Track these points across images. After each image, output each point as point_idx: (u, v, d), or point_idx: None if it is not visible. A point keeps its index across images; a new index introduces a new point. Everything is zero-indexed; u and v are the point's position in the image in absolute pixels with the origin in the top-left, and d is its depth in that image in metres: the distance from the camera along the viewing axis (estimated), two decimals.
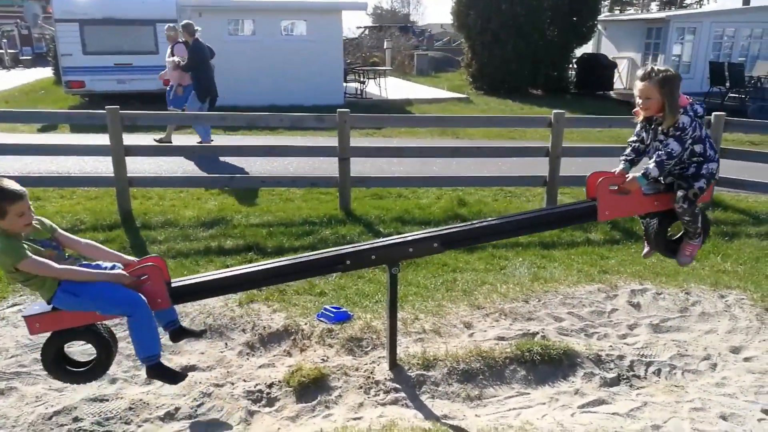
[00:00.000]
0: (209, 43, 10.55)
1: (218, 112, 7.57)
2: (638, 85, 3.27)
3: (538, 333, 4.13)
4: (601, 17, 22.56)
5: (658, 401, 3.43)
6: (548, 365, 3.75)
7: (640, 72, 3.29)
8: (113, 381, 3.55)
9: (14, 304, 4.43)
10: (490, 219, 3.81)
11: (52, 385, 3.49)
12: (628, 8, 44.43)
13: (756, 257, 5.63)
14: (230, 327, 4.17)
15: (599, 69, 19.96)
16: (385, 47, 30.05)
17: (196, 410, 3.32)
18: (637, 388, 3.60)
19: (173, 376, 3.05)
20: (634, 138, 3.51)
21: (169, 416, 3.27)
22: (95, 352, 3.01)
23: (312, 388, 3.50)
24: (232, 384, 3.54)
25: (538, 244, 5.93)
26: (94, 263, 3.01)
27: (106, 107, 6.46)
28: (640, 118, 3.40)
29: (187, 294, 3.20)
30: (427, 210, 7.06)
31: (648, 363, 3.82)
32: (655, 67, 3.25)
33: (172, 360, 3.79)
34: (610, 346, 4.01)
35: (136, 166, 7.73)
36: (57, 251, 2.86)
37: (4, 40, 31.08)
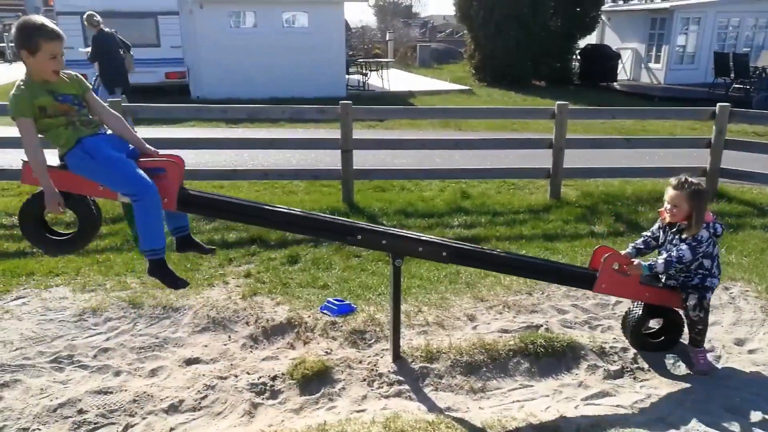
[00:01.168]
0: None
1: (219, 105, 7.56)
2: (669, 191, 3.50)
3: (541, 325, 4.12)
4: (604, 7, 22.42)
5: (662, 393, 3.43)
6: (552, 357, 3.75)
7: (673, 180, 3.50)
8: (117, 373, 3.56)
9: (18, 297, 4.44)
10: (500, 251, 4.16)
11: (57, 377, 3.50)
12: None
13: (761, 249, 5.61)
14: (233, 320, 4.17)
15: (603, 60, 19.87)
16: (387, 39, 29.95)
17: (200, 403, 3.33)
18: (641, 381, 3.59)
19: (174, 280, 2.92)
20: (649, 234, 3.76)
21: (173, 408, 3.28)
22: (78, 223, 2.89)
23: (315, 381, 3.50)
24: (236, 377, 3.55)
25: (541, 237, 5.92)
26: (118, 139, 2.87)
27: (108, 100, 6.45)
28: (665, 219, 3.60)
29: (194, 204, 3.09)
30: (431, 202, 7.05)
31: (652, 355, 3.81)
32: (689, 179, 3.47)
33: (175, 353, 3.80)
34: (614, 338, 4.00)
35: None
36: (77, 107, 2.73)
37: (6, 33, 31.02)
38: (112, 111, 2.93)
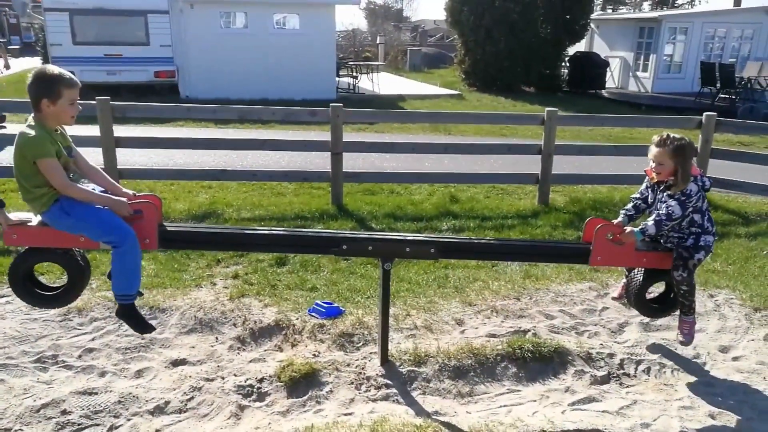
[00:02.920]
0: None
1: (210, 105, 7.52)
2: (653, 150, 3.42)
3: (529, 330, 4.14)
4: (593, 16, 22.66)
5: (648, 399, 3.45)
6: (539, 363, 3.76)
7: (656, 138, 3.43)
8: (102, 374, 3.52)
9: (2, 296, 4.37)
10: (489, 238, 3.96)
11: (40, 377, 3.45)
12: (621, 7, 44.61)
13: (745, 257, 5.68)
14: (221, 321, 4.15)
15: (592, 67, 20.05)
16: (378, 42, 29.98)
17: (186, 404, 3.30)
18: (627, 386, 3.62)
19: (143, 325, 2.97)
20: (638, 195, 3.68)
21: (159, 410, 3.25)
22: (67, 277, 2.91)
23: (303, 383, 3.48)
24: (223, 378, 3.52)
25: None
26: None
27: (97, 98, 6.40)
28: (651, 178, 3.54)
29: (177, 240, 3.14)
30: (420, 206, 7.06)
31: (638, 361, 3.84)
32: (671, 135, 3.39)
33: (162, 354, 3.76)
34: (601, 344, 4.03)
35: (126, 158, 7.65)
36: (72, 165, 2.80)
37: None
38: (90, 163, 2.99)
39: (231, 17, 16.30)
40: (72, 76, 2.69)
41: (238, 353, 3.84)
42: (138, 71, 15.19)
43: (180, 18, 15.37)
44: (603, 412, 3.33)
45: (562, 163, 7.41)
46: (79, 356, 3.68)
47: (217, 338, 3.98)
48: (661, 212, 3.38)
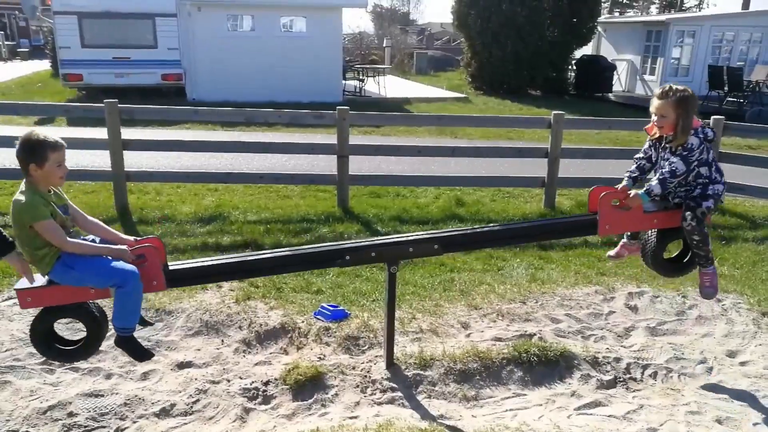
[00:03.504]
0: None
1: (216, 108, 7.54)
2: (655, 102, 3.31)
3: (535, 334, 4.12)
4: (600, 19, 22.58)
5: (655, 404, 3.43)
6: (545, 367, 3.75)
7: (658, 90, 3.33)
8: (108, 376, 3.53)
9: (9, 298, 4.40)
10: (491, 225, 3.90)
11: (47, 379, 3.47)
12: (628, 10, 44.51)
13: (753, 261, 5.65)
14: (227, 324, 4.16)
15: (598, 71, 19.98)
16: (384, 45, 30.02)
17: (191, 407, 3.31)
18: (634, 391, 3.60)
19: (141, 353, 3.00)
20: (641, 155, 3.56)
21: (165, 412, 3.26)
22: (85, 331, 2.97)
23: (308, 387, 3.49)
24: (228, 381, 3.53)
25: (535, 246, 5.91)
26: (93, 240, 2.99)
27: (105, 101, 6.43)
28: (653, 134, 3.44)
29: (184, 278, 3.17)
30: (425, 209, 7.05)
31: (644, 366, 3.82)
32: (674, 86, 3.29)
33: (168, 356, 3.78)
34: (607, 348, 4.01)
35: (134, 161, 7.70)
36: (68, 222, 2.85)
37: (1, 32, 30.93)
38: (89, 217, 3.04)
39: (238, 20, 16.37)
40: (57, 139, 2.75)
41: (244, 356, 3.84)
42: (146, 74, 15.27)
43: (187, 21, 15.45)
44: (609, 416, 3.31)
45: (568, 167, 7.39)
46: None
47: (222, 341, 3.99)
48: (664, 170, 3.29)
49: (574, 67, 21.35)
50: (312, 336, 4.02)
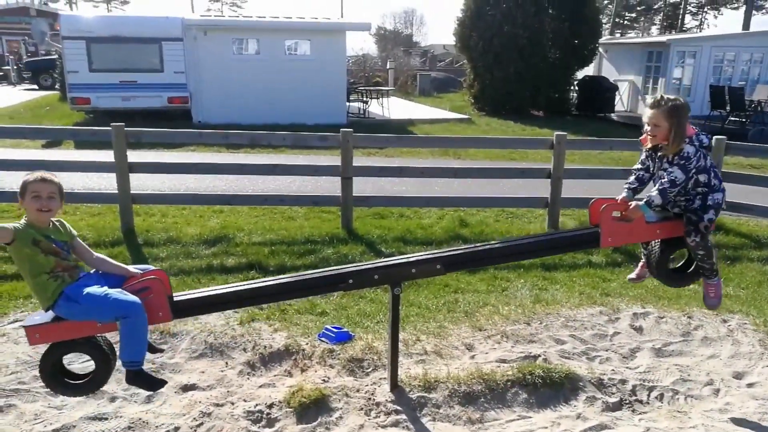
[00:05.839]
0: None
1: (221, 131, 7.62)
2: (647, 112, 3.33)
3: (539, 356, 4.11)
4: (602, 40, 22.80)
5: (661, 427, 3.40)
6: (550, 389, 3.73)
7: (650, 100, 3.35)
8: (113, 399, 3.53)
9: (15, 320, 4.42)
10: (493, 242, 3.89)
11: (52, 402, 3.47)
12: (629, 31, 44.89)
13: (758, 282, 5.62)
14: (231, 346, 4.16)
15: (600, 91, 20.12)
16: (388, 67, 30.29)
17: (195, 430, 3.30)
18: (640, 413, 3.57)
19: (153, 383, 3.00)
20: (639, 166, 3.57)
21: None
22: (93, 364, 2.99)
23: (312, 409, 3.47)
24: (232, 404, 3.52)
25: (539, 266, 5.92)
26: (97, 273, 3.01)
27: (112, 124, 6.51)
28: (648, 145, 3.45)
29: (189, 309, 3.19)
30: (429, 230, 7.07)
31: (650, 388, 3.79)
32: (665, 96, 3.32)
33: (172, 378, 3.77)
34: (612, 370, 3.99)
35: (140, 183, 7.76)
36: (65, 253, 2.87)
37: (11, 57, 31.38)
38: (95, 253, 3.07)
39: (243, 43, 16.59)
40: (42, 173, 2.82)
41: (248, 378, 3.84)
42: (152, 97, 15.44)
43: (193, 45, 15.67)
44: None
45: (571, 187, 7.41)
46: None
47: (227, 363, 3.99)
48: (663, 180, 3.29)
49: (576, 88, 21.50)
50: (316, 358, 4.01)
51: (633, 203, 3.37)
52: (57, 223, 2.89)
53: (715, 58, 20.54)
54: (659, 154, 3.40)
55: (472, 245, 3.79)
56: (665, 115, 3.24)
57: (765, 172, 10.85)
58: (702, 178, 3.35)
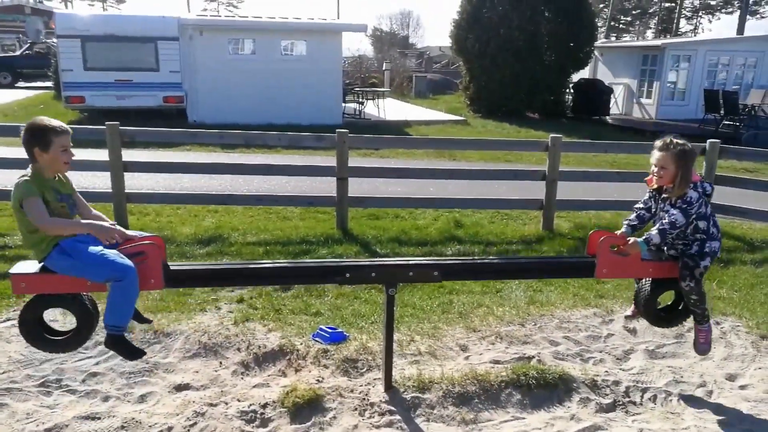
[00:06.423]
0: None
1: (216, 130, 7.61)
2: (656, 154, 3.41)
3: (533, 357, 4.12)
4: (597, 43, 22.89)
5: (654, 428, 3.42)
6: (544, 390, 3.74)
7: (658, 142, 3.42)
8: (106, 399, 3.52)
9: (7, 319, 4.39)
10: (491, 257, 3.97)
11: (44, 401, 3.45)
12: (625, 35, 45.09)
13: (751, 284, 5.65)
14: (225, 346, 4.15)
15: (596, 94, 20.19)
16: (384, 68, 30.31)
17: (189, 430, 3.29)
18: (633, 415, 3.58)
19: (133, 351, 2.99)
20: (641, 205, 3.66)
21: None
22: (75, 322, 2.95)
23: (306, 409, 3.47)
24: (226, 404, 3.51)
25: None
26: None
27: (106, 123, 6.49)
28: (653, 186, 3.53)
29: (182, 279, 3.17)
30: (424, 231, 7.07)
31: (644, 389, 3.81)
32: (674, 140, 3.39)
33: (165, 378, 3.76)
34: (606, 371, 4.00)
35: (134, 182, 7.74)
36: (69, 209, 2.86)
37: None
38: (93, 210, 3.06)
39: (239, 44, 16.56)
40: (62, 124, 2.78)
41: (242, 378, 3.83)
42: (147, 96, 15.40)
43: (189, 44, 15.63)
44: None
45: (566, 189, 7.43)
46: (83, 380, 3.68)
47: (221, 363, 3.98)
48: (664, 221, 3.37)
49: (572, 91, 21.58)
50: (310, 358, 4.01)
51: (631, 239, 3.44)
52: (62, 177, 2.86)
53: (709, 62, 20.66)
54: (663, 196, 3.49)
55: (471, 258, 3.83)
56: (673, 159, 3.33)
57: (758, 176, 10.90)
58: (702, 224, 3.45)
